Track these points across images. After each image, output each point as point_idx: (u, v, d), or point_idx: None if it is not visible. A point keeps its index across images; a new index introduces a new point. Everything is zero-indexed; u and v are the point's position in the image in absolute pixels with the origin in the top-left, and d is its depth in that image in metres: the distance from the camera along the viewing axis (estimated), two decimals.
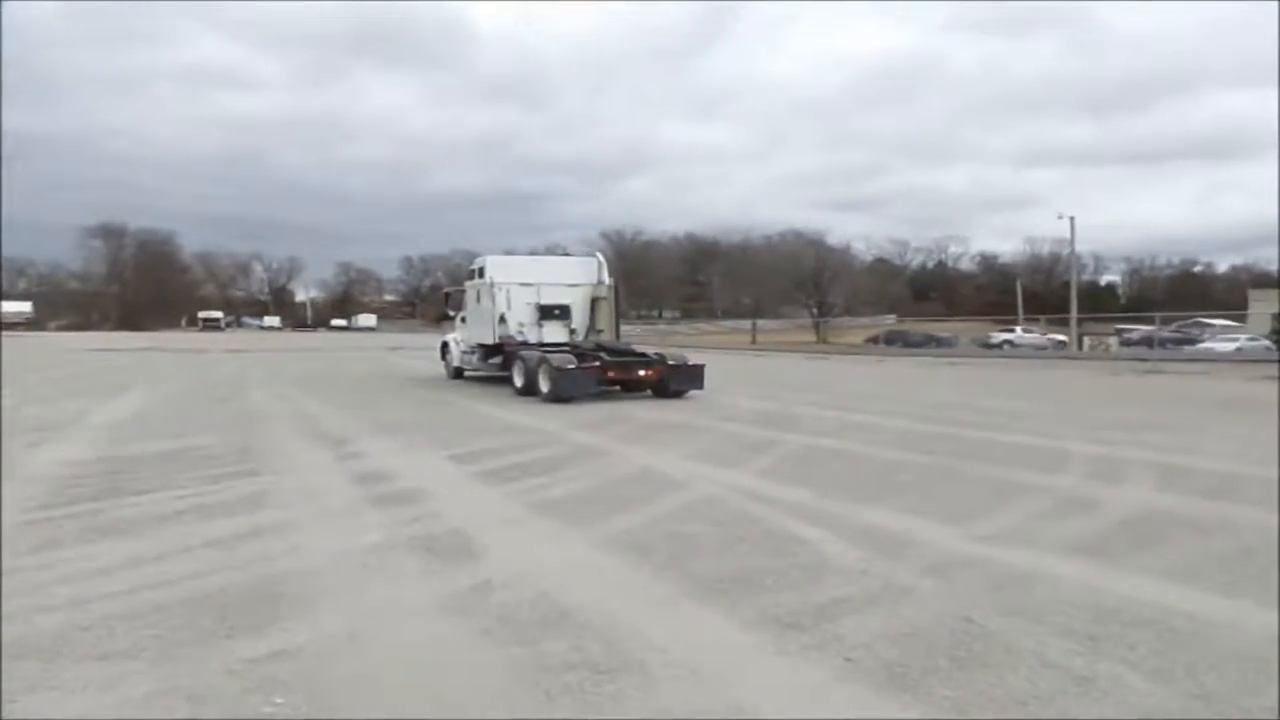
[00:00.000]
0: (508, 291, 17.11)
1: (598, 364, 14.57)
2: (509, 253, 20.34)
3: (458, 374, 19.95)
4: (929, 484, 7.13)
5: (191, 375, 22.44)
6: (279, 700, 3.02)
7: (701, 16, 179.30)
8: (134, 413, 12.83)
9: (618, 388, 15.35)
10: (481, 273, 17.87)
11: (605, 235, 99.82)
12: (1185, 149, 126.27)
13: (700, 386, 15.30)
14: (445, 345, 20.99)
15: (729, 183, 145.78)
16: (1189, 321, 44.49)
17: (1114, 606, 3.97)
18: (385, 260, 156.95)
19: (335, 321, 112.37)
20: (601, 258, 18.58)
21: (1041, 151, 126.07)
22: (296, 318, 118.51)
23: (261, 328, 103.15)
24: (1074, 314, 45.16)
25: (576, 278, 18.00)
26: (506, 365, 16.62)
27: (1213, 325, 45.34)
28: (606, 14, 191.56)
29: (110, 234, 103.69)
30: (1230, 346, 35.67)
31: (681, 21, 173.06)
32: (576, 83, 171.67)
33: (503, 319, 16.97)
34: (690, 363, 15.47)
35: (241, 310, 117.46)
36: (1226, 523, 5.70)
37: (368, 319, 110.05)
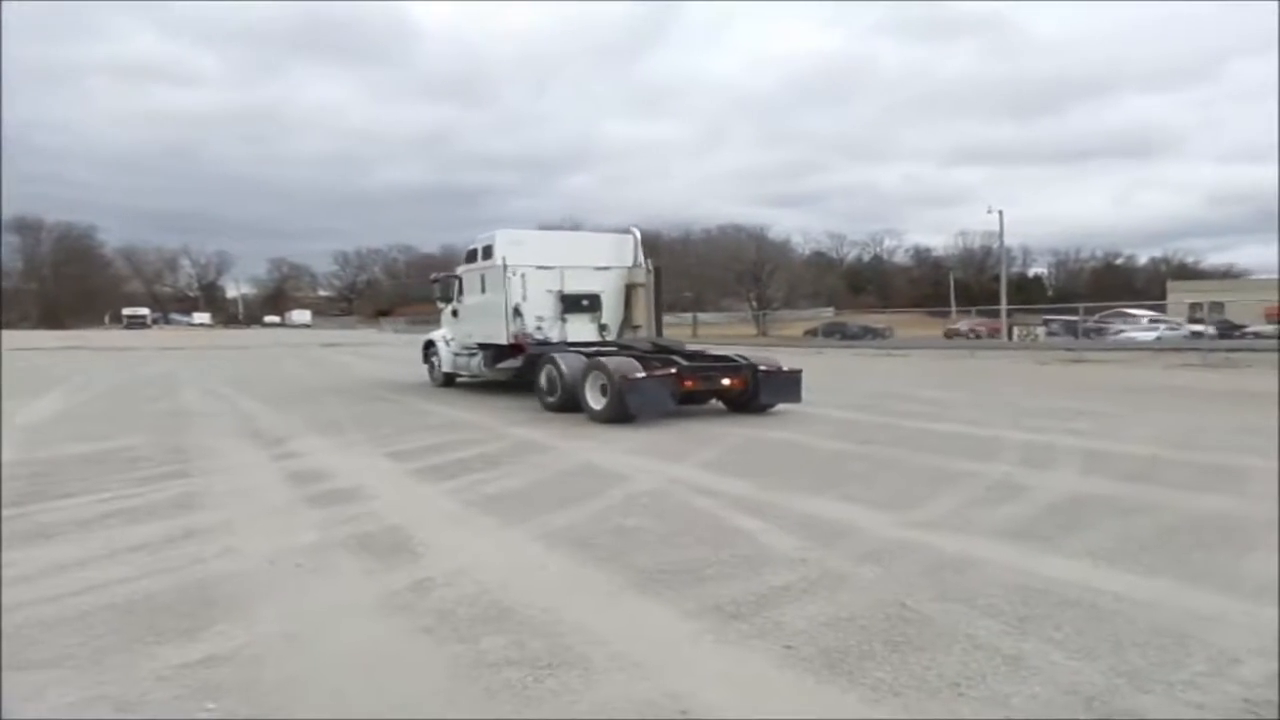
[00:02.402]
0: (523, 276, 13.63)
1: (674, 371, 10.90)
2: (488, 245, 14.25)
3: (447, 381, 16.47)
4: (868, 473, 7.27)
5: (116, 374, 21.68)
6: (211, 706, 2.95)
7: (641, 16, 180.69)
8: (57, 414, 12.36)
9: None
10: (488, 252, 14.12)
11: (545, 229, 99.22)
12: (1104, 149, 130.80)
13: (797, 399, 11.73)
14: (430, 345, 17.32)
15: (670, 178, 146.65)
16: (1111, 312, 46.04)
17: (1042, 588, 4.10)
18: (320, 255, 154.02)
19: (268, 318, 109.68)
20: (638, 234, 14.79)
21: (969, 150, 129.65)
22: (228, 314, 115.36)
23: (190, 325, 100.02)
24: (1004, 305, 46.39)
25: (608, 259, 14.51)
26: (527, 371, 13.18)
27: (1134, 315, 47.03)
28: (548, 13, 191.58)
29: (26, 228, 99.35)
30: (1150, 336, 37.04)
31: (621, 21, 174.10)
32: (519, 80, 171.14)
33: (518, 311, 13.54)
34: (785, 369, 11.76)
35: (169, 307, 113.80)
36: (1148, 505, 5.92)
37: (302, 315, 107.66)
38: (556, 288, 13.98)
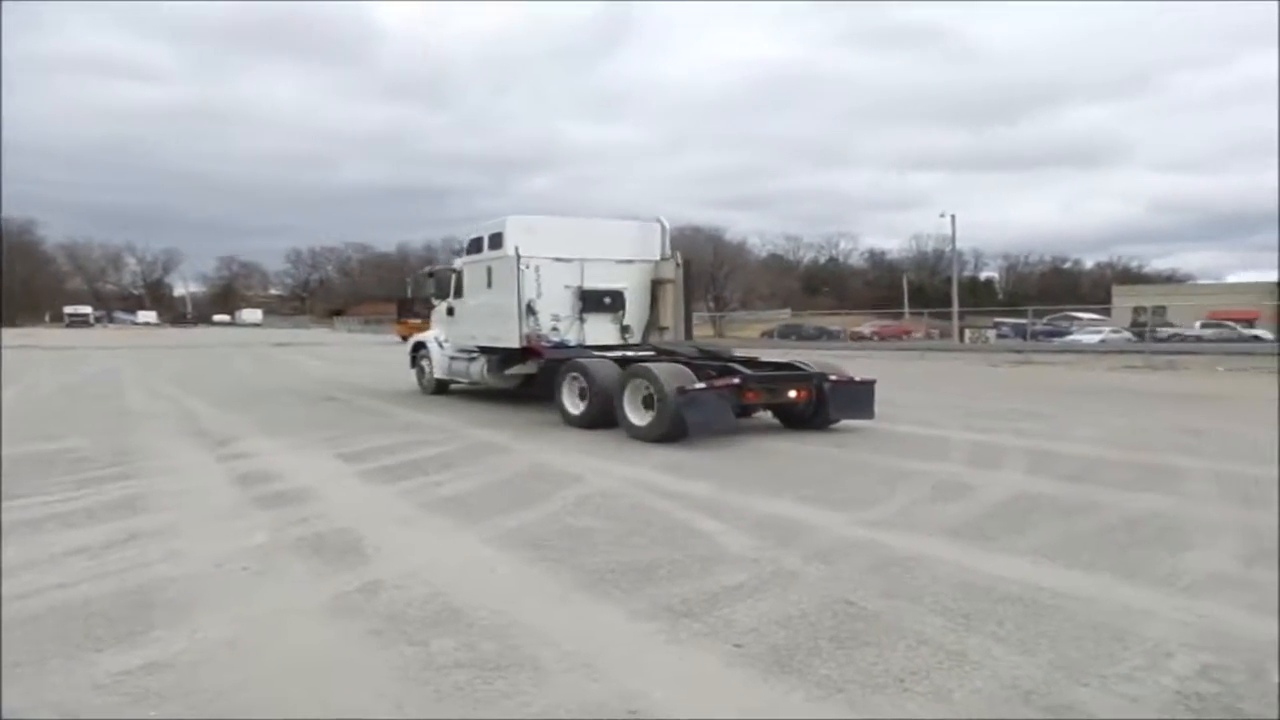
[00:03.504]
0: (537, 269, 11.83)
1: (737, 382, 9.38)
2: (497, 233, 12.34)
3: (440, 388, 14.66)
4: (823, 474, 7.35)
5: (59, 374, 21.07)
6: (152, 713, 2.90)
7: (602, 20, 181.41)
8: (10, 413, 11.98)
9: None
10: (496, 241, 12.30)
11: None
12: (1053, 156, 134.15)
13: (869, 414, 10.18)
14: (419, 348, 15.50)
15: (631, 180, 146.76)
16: (1059, 315, 47.12)
17: (986, 585, 4.19)
18: (273, 253, 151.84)
19: (218, 317, 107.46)
20: (665, 223, 13.13)
21: (923, 156, 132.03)
22: (175, 313, 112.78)
23: (135, 323, 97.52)
24: (955, 308, 47.25)
25: (632, 251, 12.78)
26: (544, 379, 11.63)
27: (1080, 319, 48.18)
28: (509, 15, 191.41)
29: None
30: (1095, 338, 38.00)
31: (583, 25, 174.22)
32: (480, 80, 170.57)
33: (531, 309, 11.79)
34: (857, 379, 10.26)
35: (113, 305, 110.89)
36: (1089, 504, 6.08)
37: (253, 314, 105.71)
38: (575, 283, 12.24)
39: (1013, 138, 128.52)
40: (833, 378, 9.98)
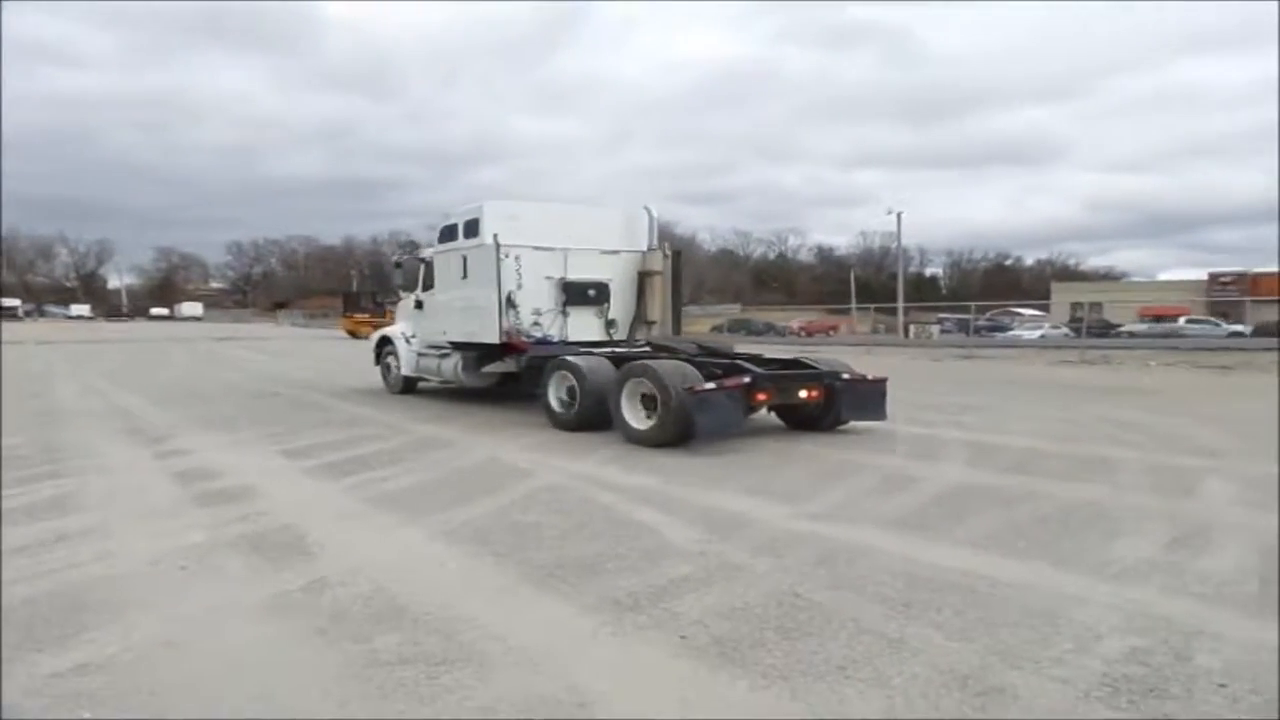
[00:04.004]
0: (518, 259, 11.03)
1: (747, 381, 8.55)
2: (472, 220, 11.52)
3: (408, 387, 13.83)
4: (765, 466, 7.43)
5: None
6: (86, 715, 2.83)
7: (550, 15, 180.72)
8: None
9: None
10: (472, 229, 11.45)
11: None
12: (994, 155, 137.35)
13: (881, 415, 9.54)
14: (385, 343, 14.52)
15: (579, 174, 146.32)
16: (1001, 311, 48.30)
17: (926, 574, 4.29)
18: (214, 245, 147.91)
19: (155, 310, 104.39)
20: (653, 211, 12.33)
21: (869, 154, 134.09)
22: (110, 306, 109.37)
23: (68, 317, 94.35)
24: (900, 303, 48.09)
25: (618, 240, 12.08)
26: (528, 378, 10.72)
27: (1021, 315, 49.44)
28: (456, 8, 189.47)
29: None
30: (1035, 334, 39.04)
31: (529, 20, 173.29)
32: (426, 74, 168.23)
33: (511, 302, 11.01)
34: (869, 377, 9.66)
35: (44, 298, 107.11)
36: (1026, 494, 6.25)
37: (193, 308, 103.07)
38: (557, 274, 11.44)
39: (955, 137, 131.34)
40: (845, 376, 9.36)
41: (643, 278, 12.07)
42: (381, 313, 49.80)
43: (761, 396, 8.71)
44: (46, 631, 3.52)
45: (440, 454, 8.05)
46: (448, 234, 12.18)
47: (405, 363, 13.63)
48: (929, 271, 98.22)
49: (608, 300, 11.86)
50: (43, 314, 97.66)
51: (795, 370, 9.46)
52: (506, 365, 11.53)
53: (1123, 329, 40.14)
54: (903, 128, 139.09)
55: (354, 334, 45.24)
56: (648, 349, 10.57)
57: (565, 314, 11.52)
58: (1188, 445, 8.60)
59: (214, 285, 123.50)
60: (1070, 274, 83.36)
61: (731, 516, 5.53)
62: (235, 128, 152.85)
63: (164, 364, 22.96)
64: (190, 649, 3.38)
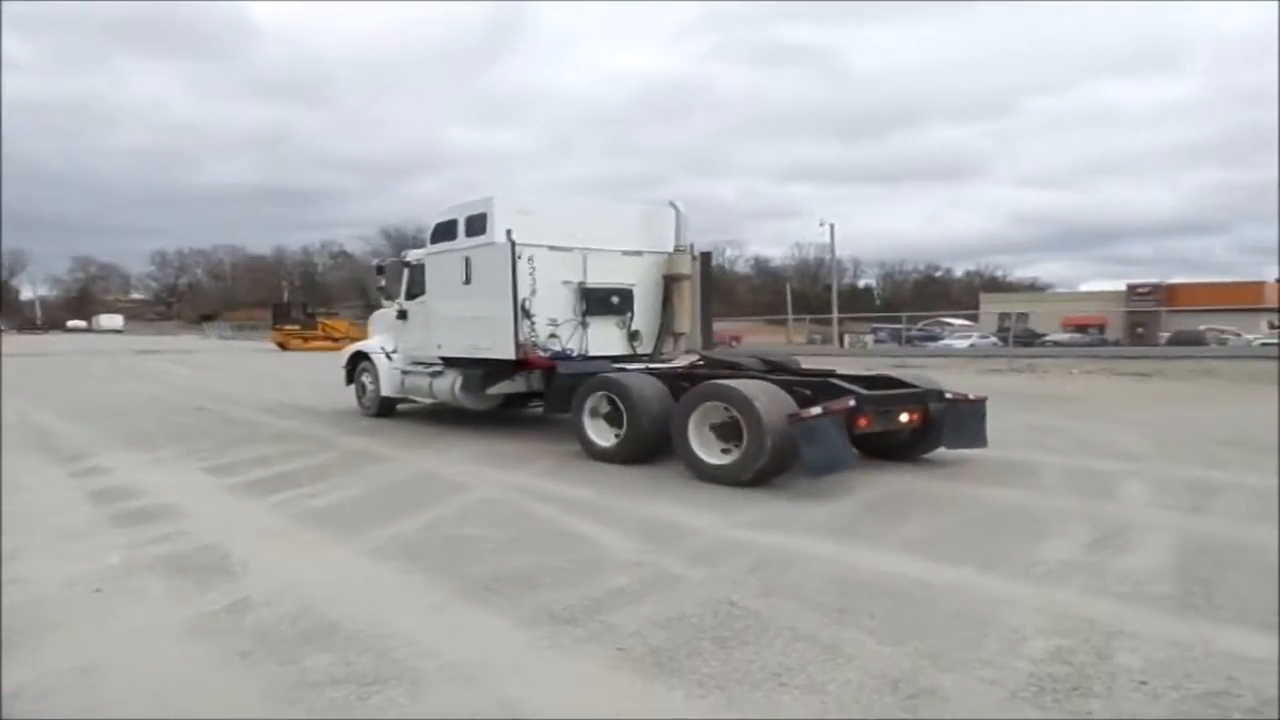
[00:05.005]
0: (531, 260, 9.39)
1: (852, 404, 6.86)
2: (478, 215, 9.82)
3: (385, 409, 12.08)
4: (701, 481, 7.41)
5: None
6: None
7: (489, 27, 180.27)
8: None
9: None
10: (477, 225, 9.77)
11: (386, 232, 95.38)
12: (919, 171, 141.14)
13: (983, 441, 8.02)
14: (359, 359, 12.66)
15: (519, 186, 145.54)
16: (932, 321, 49.46)
17: (859, 580, 4.35)
18: (136, 255, 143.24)
19: (72, 323, 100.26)
20: (680, 207, 10.70)
21: (801, 168, 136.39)
22: (23, 318, 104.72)
23: None
24: (835, 314, 48.96)
25: (641, 240, 10.50)
26: (554, 400, 9.26)
27: (952, 324, 50.74)
28: (391, 17, 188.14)
29: None
30: (965, 343, 40.09)
31: (468, 30, 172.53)
32: (361, 83, 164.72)
33: (525, 310, 9.39)
34: (971, 396, 8.07)
35: None
36: (957, 500, 6.39)
37: (112, 319, 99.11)
38: (576, 278, 9.87)
39: (881, 153, 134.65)
40: (948, 394, 7.86)
41: (668, 283, 10.52)
42: (313, 324, 48.91)
43: (863, 422, 7.08)
44: None
45: (372, 469, 7.88)
46: (444, 232, 10.45)
47: (386, 381, 11.85)
48: (863, 282, 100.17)
49: (631, 309, 10.33)
50: None
51: (898, 390, 7.85)
52: (516, 385, 10.12)
53: (1047, 338, 41.59)
54: (832, 143, 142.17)
55: (284, 346, 44.20)
56: (702, 364, 9.38)
57: (585, 324, 9.95)
58: (1108, 449, 8.90)
59: (136, 296, 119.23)
60: (998, 285, 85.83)
61: (667, 526, 5.53)
62: (155, 132, 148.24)
63: (82, 378, 22.05)
64: (107, 674, 3.24)
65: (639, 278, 10.41)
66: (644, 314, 10.46)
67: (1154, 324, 37.91)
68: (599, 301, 10.01)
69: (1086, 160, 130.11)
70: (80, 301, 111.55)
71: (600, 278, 10.03)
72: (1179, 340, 35.07)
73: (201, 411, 13.39)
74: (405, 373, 11.49)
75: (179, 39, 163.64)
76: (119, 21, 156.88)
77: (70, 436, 10.27)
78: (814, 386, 7.55)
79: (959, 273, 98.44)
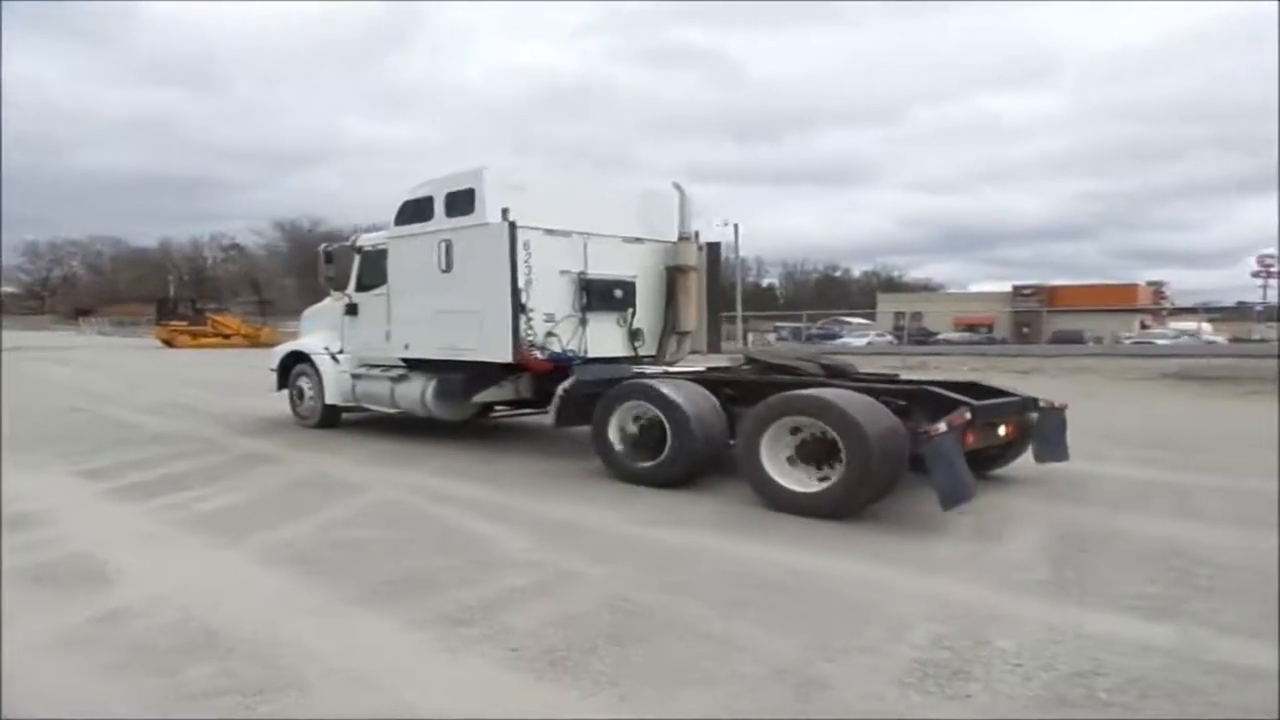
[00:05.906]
0: (526, 246, 8.06)
1: (969, 417, 5.85)
2: (462, 191, 8.37)
3: (329, 418, 10.33)
4: (594, 470, 7.41)
5: None
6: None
7: (386, 20, 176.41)
8: None
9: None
10: (462, 203, 8.37)
11: (280, 225, 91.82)
12: (812, 174, 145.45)
13: (1065, 454, 7.07)
14: (296, 362, 10.82)
15: (417, 178, 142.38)
16: (831, 319, 50.82)
17: (751, 573, 4.44)
18: (3, 245, 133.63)
19: None
20: (685, 190, 9.48)
21: (699, 169, 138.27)
22: None
23: None
24: (740, 312, 49.78)
25: (641, 226, 9.26)
26: (568, 411, 7.75)
27: (850, 323, 52.27)
28: (284, 6, 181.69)
29: None
30: (863, 341, 41.37)
31: (365, 22, 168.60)
32: (251, 71, 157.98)
33: (523, 306, 8.06)
34: (1056, 404, 7.09)
35: None
36: None
37: None
38: (576, 268, 8.61)
39: (778, 155, 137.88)
40: (1042, 404, 7.00)
41: (672, 274, 9.34)
42: (203, 320, 46.79)
43: (971, 439, 6.06)
44: None
45: (262, 470, 7.61)
46: (414, 212, 8.89)
47: (331, 387, 10.16)
48: (766, 281, 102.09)
49: (633, 304, 9.10)
50: None
51: (1003, 399, 6.84)
52: (504, 391, 8.91)
53: (940, 336, 43.35)
54: (728, 145, 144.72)
55: (170, 344, 42.19)
56: (748, 367, 8.17)
57: (584, 321, 8.71)
58: None
59: (5, 289, 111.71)
60: (894, 285, 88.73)
61: (563, 525, 5.54)
62: (27, 119, 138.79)
63: None
64: None
65: (641, 268, 9.20)
66: (646, 310, 9.26)
67: (1038, 323, 39.91)
68: (600, 295, 8.75)
69: (970, 167, 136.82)
70: None
71: (601, 267, 8.79)
72: (1059, 339, 37.08)
73: (77, 412, 12.65)
74: (358, 377, 9.92)
75: (50, 19, 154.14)
76: None
77: None
78: (908, 396, 6.46)
79: (857, 273, 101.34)
